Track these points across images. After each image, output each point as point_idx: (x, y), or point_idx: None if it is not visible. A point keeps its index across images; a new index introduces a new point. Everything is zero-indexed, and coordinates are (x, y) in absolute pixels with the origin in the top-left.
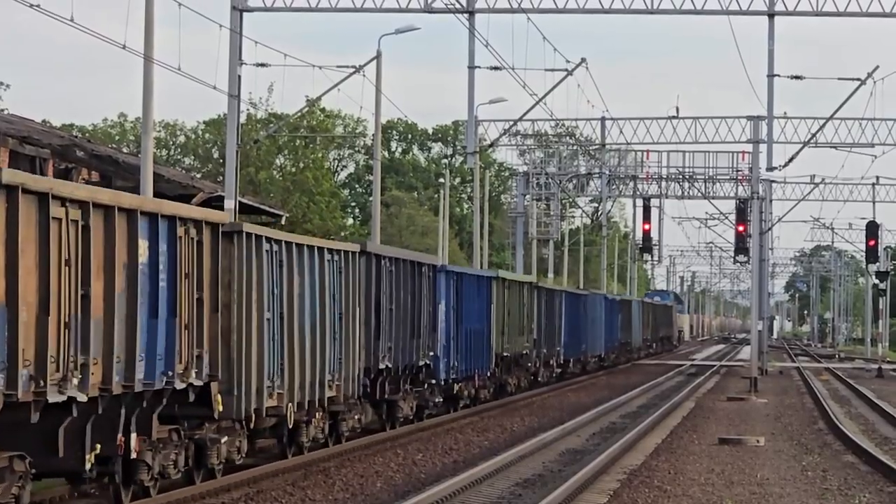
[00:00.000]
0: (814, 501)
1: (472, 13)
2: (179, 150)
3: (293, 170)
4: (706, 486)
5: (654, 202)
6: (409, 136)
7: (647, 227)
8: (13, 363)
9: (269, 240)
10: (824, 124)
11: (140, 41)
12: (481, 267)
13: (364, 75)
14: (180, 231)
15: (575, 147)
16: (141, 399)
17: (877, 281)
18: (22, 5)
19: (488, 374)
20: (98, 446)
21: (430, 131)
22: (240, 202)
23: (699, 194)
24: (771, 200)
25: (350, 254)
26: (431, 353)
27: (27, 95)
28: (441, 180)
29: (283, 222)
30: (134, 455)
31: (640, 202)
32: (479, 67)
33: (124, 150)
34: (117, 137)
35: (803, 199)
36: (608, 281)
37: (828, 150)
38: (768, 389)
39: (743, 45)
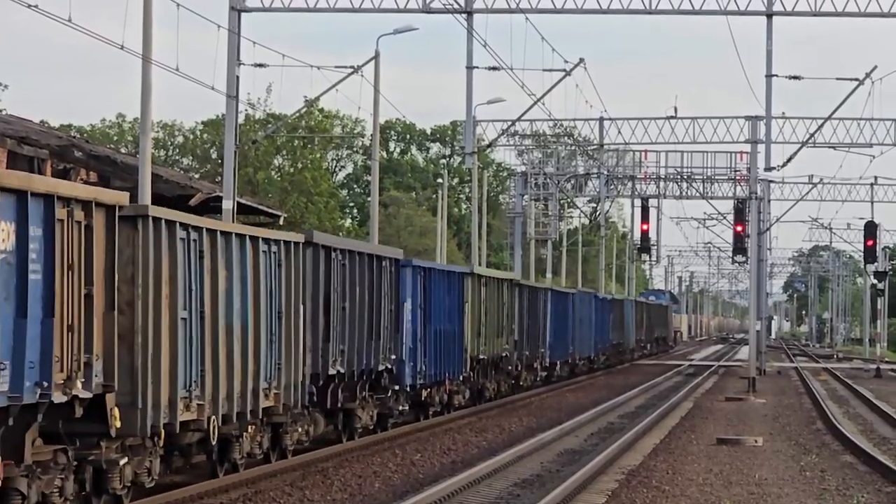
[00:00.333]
0: (812, 501)
1: (470, 13)
2: (178, 150)
3: (291, 170)
4: (704, 486)
5: (653, 202)
6: (408, 136)
7: (645, 227)
8: None
9: (184, 226)
10: (822, 124)
11: (138, 42)
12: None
13: (362, 75)
14: (60, 213)
15: (573, 147)
16: (5, 416)
17: (875, 281)
18: (20, 6)
19: (461, 379)
20: None
21: (429, 131)
22: (238, 202)
23: (697, 194)
24: (769, 200)
25: (293, 245)
26: (394, 357)
27: (25, 96)
28: (439, 180)
29: (281, 223)
30: None
31: (638, 202)
32: (477, 68)
33: (122, 150)
34: (115, 138)
35: (801, 200)
36: (606, 281)
37: (826, 151)
38: (767, 390)
39: (741, 45)
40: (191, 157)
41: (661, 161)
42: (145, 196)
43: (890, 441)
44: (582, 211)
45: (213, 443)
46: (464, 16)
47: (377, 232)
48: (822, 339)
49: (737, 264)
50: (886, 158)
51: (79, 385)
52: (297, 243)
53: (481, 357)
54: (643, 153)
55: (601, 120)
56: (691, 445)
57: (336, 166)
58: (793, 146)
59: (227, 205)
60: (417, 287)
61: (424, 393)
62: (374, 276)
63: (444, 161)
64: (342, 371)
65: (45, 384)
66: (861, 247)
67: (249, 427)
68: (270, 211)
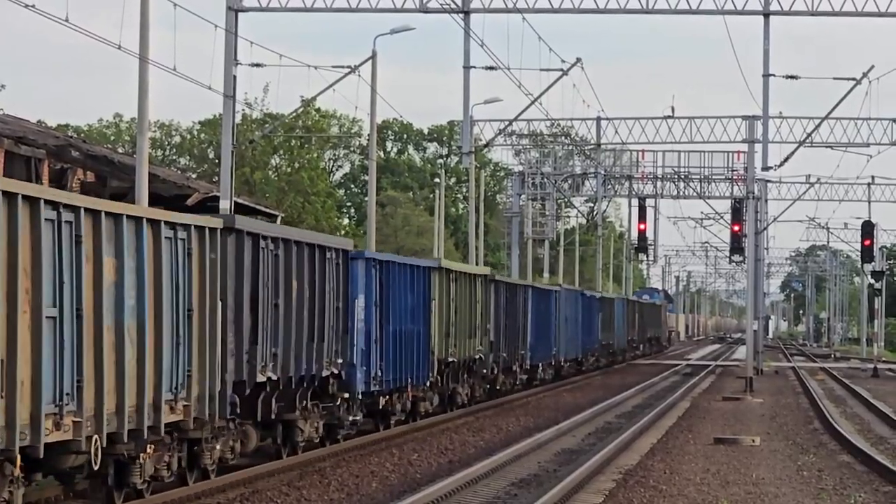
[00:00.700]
0: (809, 501)
1: (467, 13)
2: (175, 150)
3: (288, 170)
4: (702, 485)
5: (650, 202)
6: (405, 136)
7: (642, 226)
8: None
9: (53, 205)
10: (820, 124)
11: (135, 41)
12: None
13: (359, 75)
14: None
15: (570, 147)
16: None
17: (872, 280)
18: (17, 5)
19: (428, 385)
20: None
21: (426, 131)
22: (235, 202)
23: (694, 194)
24: (766, 200)
25: (207, 231)
26: (341, 361)
27: (23, 96)
28: (436, 180)
29: (278, 223)
30: None
31: (635, 202)
32: (474, 67)
33: (120, 150)
34: (113, 138)
35: (799, 199)
36: (604, 281)
37: (823, 150)
38: (764, 389)
39: (738, 44)
40: (188, 157)
41: (658, 161)
42: (143, 196)
43: (887, 440)
44: (579, 211)
45: (95, 466)
46: (461, 15)
47: (374, 232)
48: (820, 339)
49: (734, 264)
50: (883, 158)
51: None
52: (213, 229)
53: (451, 360)
54: (640, 153)
55: (598, 119)
56: (688, 445)
57: (333, 166)
58: (790, 146)
59: (224, 204)
60: (372, 282)
61: (383, 400)
62: (317, 270)
63: (441, 161)
64: (275, 378)
65: None
66: (858, 246)
67: (148, 447)
68: (268, 211)
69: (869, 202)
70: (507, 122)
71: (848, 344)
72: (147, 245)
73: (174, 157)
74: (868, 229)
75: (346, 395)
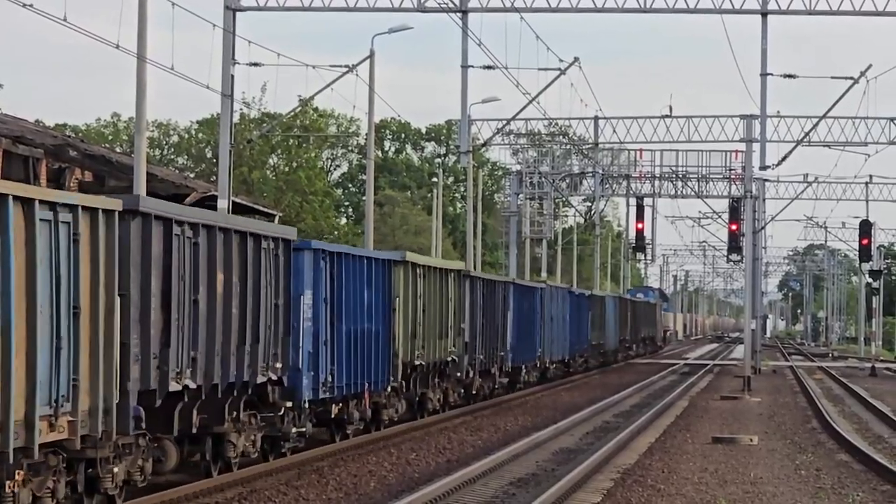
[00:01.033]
0: (807, 500)
1: (465, 12)
2: (173, 149)
3: (286, 169)
4: (700, 484)
5: (648, 201)
6: (403, 135)
7: (640, 226)
8: None
9: None
10: (817, 123)
11: (133, 41)
12: (475, 267)
13: (357, 75)
14: None
15: (568, 146)
16: None
17: (870, 280)
18: (16, 5)
19: (389, 389)
20: None
21: (424, 131)
22: (233, 202)
23: (692, 193)
24: (764, 199)
25: (101, 213)
26: (279, 365)
27: (21, 95)
28: (434, 180)
29: (276, 222)
30: None
31: (633, 201)
32: (472, 67)
33: (117, 149)
34: (110, 137)
35: (796, 198)
36: (602, 280)
37: (821, 149)
38: (762, 388)
39: (736, 44)
40: (186, 157)
41: (656, 160)
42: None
43: (885, 440)
44: (577, 210)
45: None
46: (459, 15)
47: (372, 231)
48: (818, 338)
49: (732, 263)
50: (881, 157)
51: None
52: (108, 211)
53: (418, 363)
54: (638, 152)
55: (596, 119)
56: (686, 444)
57: (331, 165)
58: (788, 145)
59: (222, 204)
60: (322, 276)
61: (335, 408)
62: (250, 261)
63: (439, 160)
64: (194, 386)
65: None
66: (856, 245)
67: (17, 473)
68: (265, 210)
69: (867, 201)
70: (505, 122)
71: (846, 343)
72: (13, 230)
73: (172, 157)
74: (866, 228)
75: (290, 404)
